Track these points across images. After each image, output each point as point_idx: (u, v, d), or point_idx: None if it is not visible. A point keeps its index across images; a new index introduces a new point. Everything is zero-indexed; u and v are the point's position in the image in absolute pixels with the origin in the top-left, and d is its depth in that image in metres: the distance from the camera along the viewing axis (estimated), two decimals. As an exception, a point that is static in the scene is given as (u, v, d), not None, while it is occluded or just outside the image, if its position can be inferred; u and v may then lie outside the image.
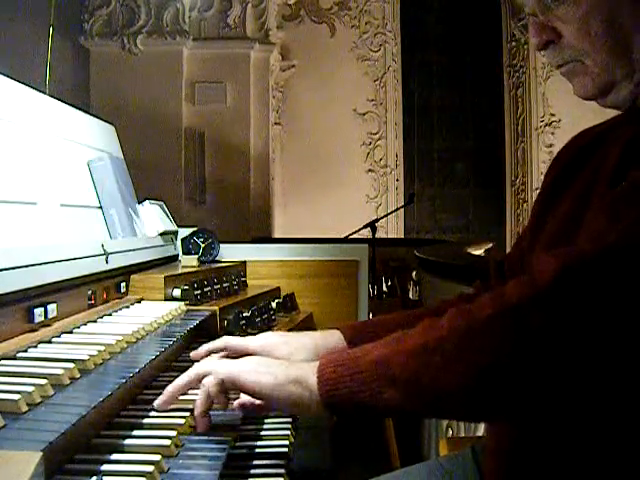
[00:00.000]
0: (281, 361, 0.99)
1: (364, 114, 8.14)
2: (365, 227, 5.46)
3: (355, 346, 0.94)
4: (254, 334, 1.79)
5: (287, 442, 1.07)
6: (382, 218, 6.17)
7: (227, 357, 1.11)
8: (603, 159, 0.99)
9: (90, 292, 1.50)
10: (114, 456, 0.86)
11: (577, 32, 0.95)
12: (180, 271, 1.94)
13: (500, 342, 0.79)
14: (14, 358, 1.05)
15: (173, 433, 0.94)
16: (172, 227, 2.35)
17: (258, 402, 1.00)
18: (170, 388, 1.03)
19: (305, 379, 0.91)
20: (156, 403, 1.03)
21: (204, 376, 0.99)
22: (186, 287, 1.77)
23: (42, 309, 1.23)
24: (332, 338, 1.13)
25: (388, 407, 0.85)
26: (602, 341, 0.76)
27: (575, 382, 0.78)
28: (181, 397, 1.04)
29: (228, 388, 0.97)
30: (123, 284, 1.69)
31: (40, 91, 1.64)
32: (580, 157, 1.07)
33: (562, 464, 0.92)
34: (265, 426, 1.15)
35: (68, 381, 0.98)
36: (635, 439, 0.86)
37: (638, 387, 0.79)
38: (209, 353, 1.14)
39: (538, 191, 1.17)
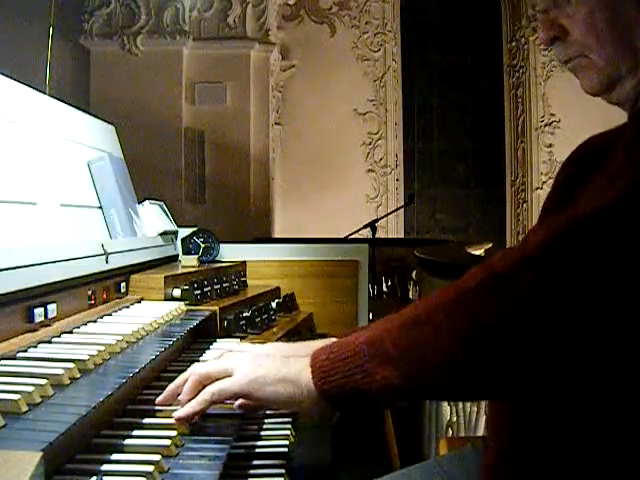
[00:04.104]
0: (274, 360, 0.95)
1: (364, 114, 8.14)
2: (365, 227, 5.45)
3: None
4: (254, 334, 1.81)
5: (287, 442, 1.07)
6: (382, 218, 6.15)
7: None
8: (611, 160, 1.00)
9: (90, 292, 1.50)
10: (114, 456, 0.86)
11: (583, 28, 0.97)
12: (180, 271, 1.94)
13: (491, 306, 0.78)
14: (14, 358, 1.05)
15: (173, 433, 0.94)
16: (172, 227, 2.35)
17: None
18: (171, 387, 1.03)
19: (296, 375, 0.90)
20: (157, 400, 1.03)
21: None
22: (186, 287, 1.77)
23: (42, 309, 1.23)
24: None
25: (383, 388, 0.83)
26: (595, 301, 0.75)
27: (567, 343, 0.76)
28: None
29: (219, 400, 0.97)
30: (123, 284, 1.69)
31: (40, 91, 1.64)
32: (592, 158, 1.08)
33: (563, 461, 0.92)
34: (265, 426, 1.15)
35: (68, 381, 0.97)
36: (635, 436, 0.86)
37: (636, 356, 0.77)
38: None
39: (549, 190, 1.17)
